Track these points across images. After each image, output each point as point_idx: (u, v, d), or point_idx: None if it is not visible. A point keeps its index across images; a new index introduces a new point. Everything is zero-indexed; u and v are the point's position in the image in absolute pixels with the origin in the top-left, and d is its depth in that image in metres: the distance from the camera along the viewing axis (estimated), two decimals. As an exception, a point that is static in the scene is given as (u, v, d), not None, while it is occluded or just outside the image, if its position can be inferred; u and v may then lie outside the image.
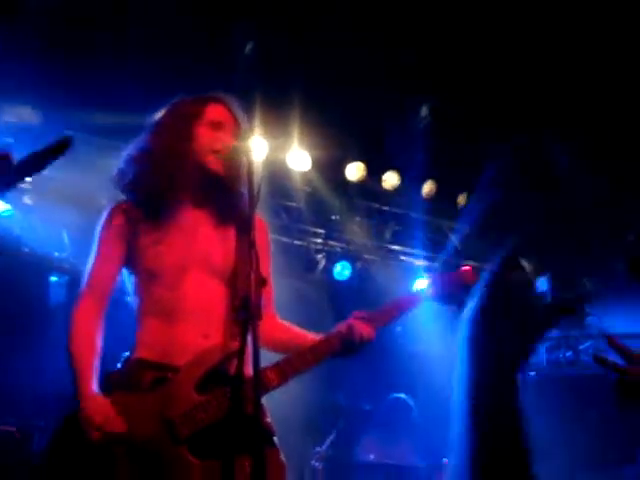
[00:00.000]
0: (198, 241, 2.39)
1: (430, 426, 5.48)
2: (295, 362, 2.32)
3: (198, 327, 2.30)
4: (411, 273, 7.59)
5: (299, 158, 6.44)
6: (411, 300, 2.62)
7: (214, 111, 2.49)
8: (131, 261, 2.40)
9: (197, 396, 2.18)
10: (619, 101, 5.98)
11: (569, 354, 6.34)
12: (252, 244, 2.06)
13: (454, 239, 7.96)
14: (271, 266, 2.56)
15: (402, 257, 7.75)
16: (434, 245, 7.86)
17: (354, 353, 2.48)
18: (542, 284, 7.15)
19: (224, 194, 2.44)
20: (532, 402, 6.35)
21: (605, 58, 5.66)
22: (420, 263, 7.77)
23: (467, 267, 2.69)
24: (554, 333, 6.69)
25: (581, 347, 6.60)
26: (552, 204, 7.21)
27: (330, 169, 6.77)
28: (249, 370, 1.97)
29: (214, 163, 2.41)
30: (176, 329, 2.29)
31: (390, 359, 6.25)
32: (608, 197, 6.88)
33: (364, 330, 2.45)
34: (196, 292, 2.33)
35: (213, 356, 2.24)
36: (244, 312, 1.98)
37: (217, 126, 2.46)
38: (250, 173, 2.22)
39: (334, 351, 2.43)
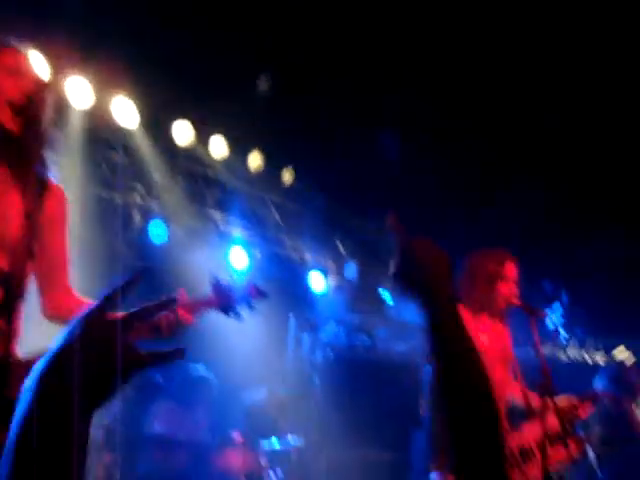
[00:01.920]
0: None
1: (226, 398, 5.54)
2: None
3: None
4: (228, 242, 7.57)
5: (125, 111, 6.13)
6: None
7: (9, 56, 2.21)
8: None
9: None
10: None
11: (366, 339, 6.65)
12: (29, 215, 1.89)
13: (276, 214, 8.07)
14: (67, 239, 2.37)
15: (222, 225, 7.69)
16: (256, 218, 7.92)
17: (168, 335, 2.46)
18: (350, 269, 7.49)
19: (17, 155, 2.17)
20: (329, 382, 6.68)
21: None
22: (239, 233, 7.78)
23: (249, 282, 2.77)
24: (354, 319, 7.00)
25: (377, 333, 6.97)
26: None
27: (157, 127, 6.54)
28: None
29: (7, 118, 2.16)
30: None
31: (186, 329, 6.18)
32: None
33: (181, 314, 2.49)
34: None
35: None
36: (7, 289, 1.82)
37: (12, 72, 2.18)
38: (48, 129, 2.03)
39: (146, 332, 2.37)
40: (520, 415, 3.80)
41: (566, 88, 6.22)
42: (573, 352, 7.82)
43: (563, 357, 7.76)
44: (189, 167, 7.19)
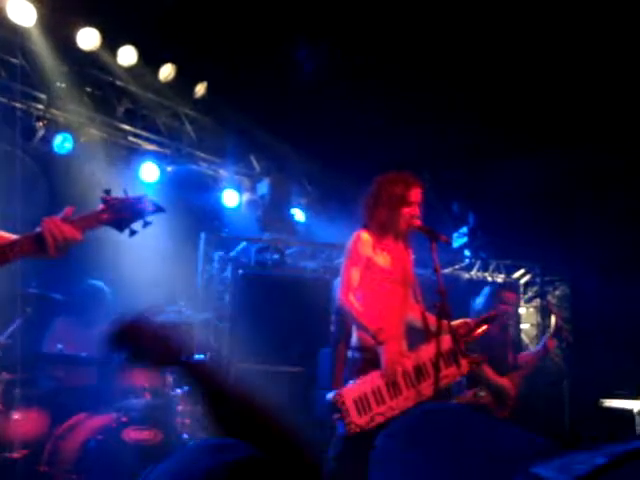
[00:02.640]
0: None
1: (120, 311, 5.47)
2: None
3: None
4: (138, 156, 7.33)
5: (23, 11, 5.71)
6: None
7: None
8: None
9: None
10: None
11: (276, 256, 6.68)
12: None
13: (190, 128, 7.84)
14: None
15: (131, 138, 7.41)
16: (169, 131, 7.67)
17: (56, 253, 2.41)
18: (262, 187, 7.41)
19: None
20: (239, 299, 6.71)
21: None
22: (150, 147, 7.53)
23: (143, 196, 2.67)
24: (265, 236, 6.99)
25: (288, 251, 7.00)
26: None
27: (60, 30, 6.13)
28: None
29: None
30: None
31: (87, 246, 6.03)
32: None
33: (67, 231, 2.43)
34: None
35: None
36: None
37: None
38: None
39: (30, 251, 2.39)
40: (419, 336, 3.93)
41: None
42: (476, 273, 8.12)
43: (467, 277, 8.06)
44: (96, 76, 6.84)
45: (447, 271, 7.69)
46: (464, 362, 3.70)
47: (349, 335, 3.76)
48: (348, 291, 3.68)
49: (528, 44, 6.27)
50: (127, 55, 6.54)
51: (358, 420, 3.47)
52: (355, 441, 3.50)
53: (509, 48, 6.41)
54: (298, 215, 7.88)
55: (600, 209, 7.06)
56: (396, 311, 3.80)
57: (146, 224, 2.64)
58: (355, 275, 3.73)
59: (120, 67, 6.67)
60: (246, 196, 7.93)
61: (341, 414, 3.46)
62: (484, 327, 3.89)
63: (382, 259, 3.80)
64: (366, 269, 3.76)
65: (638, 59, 6.00)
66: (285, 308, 6.36)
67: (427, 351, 3.70)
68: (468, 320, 3.93)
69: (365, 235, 3.81)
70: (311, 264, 7.04)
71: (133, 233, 2.63)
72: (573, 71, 6.35)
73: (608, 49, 6.13)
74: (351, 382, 3.59)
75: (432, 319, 3.70)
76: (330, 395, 3.53)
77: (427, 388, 3.64)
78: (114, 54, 6.53)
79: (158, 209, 2.66)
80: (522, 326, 8.21)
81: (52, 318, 5.27)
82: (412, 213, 3.87)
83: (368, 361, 3.64)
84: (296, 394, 6.26)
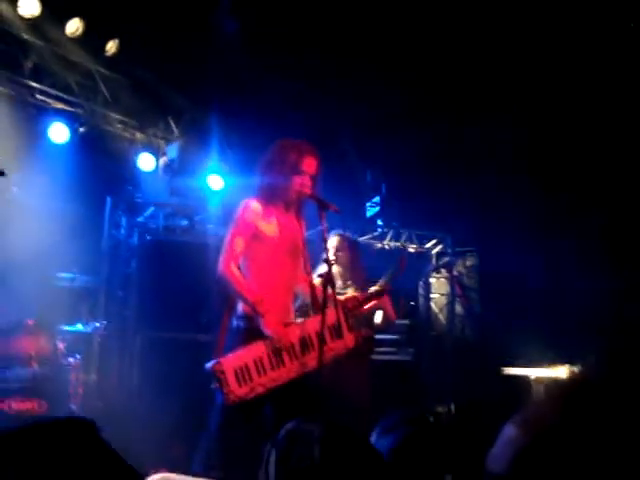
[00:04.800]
0: None
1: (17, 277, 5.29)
2: None
3: None
4: (46, 116, 7.02)
5: None
6: None
7: None
8: None
9: None
10: None
11: (185, 222, 6.54)
12: None
13: (104, 88, 7.54)
14: None
15: (39, 96, 7.08)
16: (81, 90, 7.36)
17: None
18: (172, 150, 7.21)
19: None
20: (146, 265, 6.56)
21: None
22: (60, 106, 7.22)
23: None
24: (173, 201, 6.83)
25: (196, 217, 6.87)
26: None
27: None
28: None
29: None
30: None
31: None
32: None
33: None
34: None
35: None
36: None
37: None
38: None
39: None
40: (305, 307, 3.90)
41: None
42: (388, 243, 8.15)
43: (379, 246, 8.08)
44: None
45: (360, 239, 7.70)
46: (349, 336, 3.69)
47: (234, 304, 3.69)
48: (230, 261, 3.59)
49: (439, 22, 6.25)
50: (29, 5, 6.19)
51: (237, 390, 3.42)
52: (234, 411, 3.46)
53: (425, 26, 6.38)
54: (216, 181, 7.70)
55: (507, 179, 7.14)
56: (282, 281, 3.73)
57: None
58: (239, 244, 3.63)
59: (22, 19, 6.32)
60: (163, 160, 7.71)
61: (220, 383, 3.41)
62: (372, 302, 3.88)
63: (270, 228, 3.72)
64: (253, 238, 3.67)
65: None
66: (193, 275, 6.24)
67: (313, 323, 3.67)
68: (357, 294, 3.91)
69: (254, 203, 3.72)
70: (221, 230, 6.90)
71: None
72: (476, 45, 6.36)
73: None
74: (233, 352, 3.53)
75: (319, 290, 3.66)
76: (210, 364, 3.47)
77: (312, 360, 3.61)
78: (14, 4, 6.17)
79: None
80: (432, 295, 8.33)
81: None
82: (303, 182, 3.79)
83: (252, 330, 3.57)
84: (205, 362, 6.20)
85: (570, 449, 1.07)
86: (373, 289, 4.18)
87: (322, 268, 4.47)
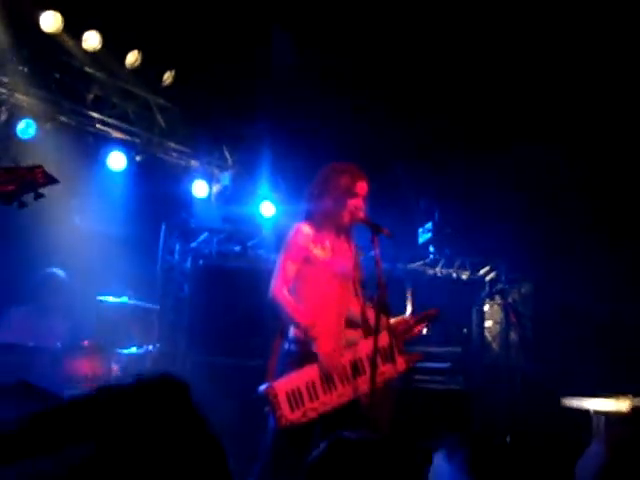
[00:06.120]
0: None
1: (81, 302, 5.41)
2: None
3: None
4: (105, 145, 7.23)
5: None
6: None
7: None
8: None
9: None
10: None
11: (237, 248, 6.60)
12: None
13: (160, 117, 7.74)
14: None
15: (99, 125, 7.31)
16: (139, 120, 7.57)
17: None
18: (225, 178, 7.34)
19: None
20: (199, 290, 6.63)
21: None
22: (119, 135, 7.44)
23: (35, 166, 2.56)
24: (226, 227, 6.91)
25: (249, 243, 6.92)
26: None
27: (19, 12, 6.03)
28: None
29: None
30: None
31: (45, 232, 5.96)
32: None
33: None
34: None
35: None
36: None
37: None
38: None
39: None
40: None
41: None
42: (441, 270, 8.06)
43: (431, 273, 8.00)
44: (61, 61, 6.73)
45: (412, 266, 7.64)
46: (401, 359, 3.65)
47: (285, 328, 3.69)
48: (281, 285, 3.60)
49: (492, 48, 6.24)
50: (91, 40, 6.44)
51: (290, 415, 3.41)
52: (286, 435, 3.44)
53: (476, 51, 6.38)
54: (268, 208, 7.79)
55: (565, 209, 7.02)
56: (333, 305, 3.72)
57: (38, 196, 2.50)
58: (291, 268, 3.65)
59: (85, 52, 6.57)
60: (216, 187, 7.85)
61: (272, 407, 3.40)
62: (423, 325, 3.84)
63: (321, 252, 3.72)
64: (305, 262, 3.68)
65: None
66: (245, 300, 6.29)
67: (364, 347, 3.65)
68: (407, 317, 3.88)
69: (305, 227, 3.74)
70: (274, 256, 6.95)
71: (23, 205, 2.50)
72: (528, 72, 6.32)
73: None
74: (285, 375, 3.52)
75: (372, 314, 3.65)
76: (262, 387, 3.47)
77: (363, 384, 3.58)
78: (78, 38, 6.42)
79: (51, 180, 2.50)
80: (485, 323, 8.18)
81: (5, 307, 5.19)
82: (357, 205, 3.80)
83: (304, 354, 3.57)
84: (256, 387, 6.20)
85: None
86: (424, 313, 4.13)
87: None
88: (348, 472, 1.61)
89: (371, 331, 3.59)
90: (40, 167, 2.47)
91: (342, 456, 1.62)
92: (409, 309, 4.70)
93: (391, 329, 3.64)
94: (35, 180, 2.44)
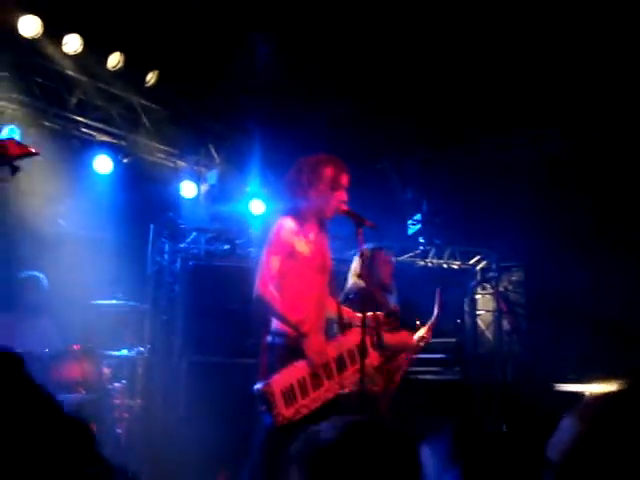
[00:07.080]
0: None
1: (63, 306, 5.38)
2: None
3: None
4: (91, 148, 7.19)
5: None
6: None
7: None
8: None
9: None
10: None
11: (226, 247, 6.58)
12: None
13: (145, 118, 7.71)
14: None
15: (84, 129, 7.27)
16: (124, 122, 7.53)
17: None
18: (212, 177, 7.31)
19: None
20: (189, 291, 6.61)
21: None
22: (104, 138, 7.40)
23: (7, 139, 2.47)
24: (214, 226, 6.89)
25: (237, 241, 6.90)
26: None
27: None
28: None
29: None
30: None
31: (27, 234, 5.93)
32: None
33: None
34: None
35: None
36: None
37: None
38: None
39: None
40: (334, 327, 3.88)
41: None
42: (431, 260, 8.05)
43: (421, 264, 7.98)
44: (43, 65, 6.69)
45: (402, 258, 7.63)
46: (374, 354, 3.68)
47: (268, 322, 3.66)
48: (267, 282, 3.54)
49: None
50: (72, 43, 6.40)
51: (285, 411, 3.39)
52: (280, 432, 3.42)
53: (468, 47, 6.37)
54: (257, 206, 7.76)
55: (555, 195, 7.01)
56: (314, 299, 3.68)
57: (14, 169, 2.40)
58: (275, 263, 3.60)
59: (66, 56, 6.53)
60: (204, 187, 7.82)
61: (268, 405, 3.38)
62: (394, 320, 3.86)
63: (305, 247, 3.68)
64: (288, 257, 3.63)
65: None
66: (236, 298, 6.26)
67: (344, 342, 3.67)
68: (378, 313, 3.88)
69: (288, 222, 3.68)
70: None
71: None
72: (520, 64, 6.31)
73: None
74: (277, 372, 3.49)
75: (345, 310, 3.69)
76: (259, 386, 3.44)
77: (347, 379, 3.60)
78: (58, 42, 6.38)
79: (27, 152, 2.38)
80: (478, 312, 8.18)
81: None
82: (341, 197, 3.76)
83: (288, 347, 3.54)
84: (251, 385, 6.19)
85: (625, 439, 1.14)
86: (393, 309, 4.17)
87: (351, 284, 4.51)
88: (367, 457, 1.57)
89: (345, 327, 3.65)
90: (12, 139, 2.36)
91: (361, 441, 1.59)
92: (436, 310, 4.75)
93: (366, 324, 3.63)
94: (6, 152, 2.32)
